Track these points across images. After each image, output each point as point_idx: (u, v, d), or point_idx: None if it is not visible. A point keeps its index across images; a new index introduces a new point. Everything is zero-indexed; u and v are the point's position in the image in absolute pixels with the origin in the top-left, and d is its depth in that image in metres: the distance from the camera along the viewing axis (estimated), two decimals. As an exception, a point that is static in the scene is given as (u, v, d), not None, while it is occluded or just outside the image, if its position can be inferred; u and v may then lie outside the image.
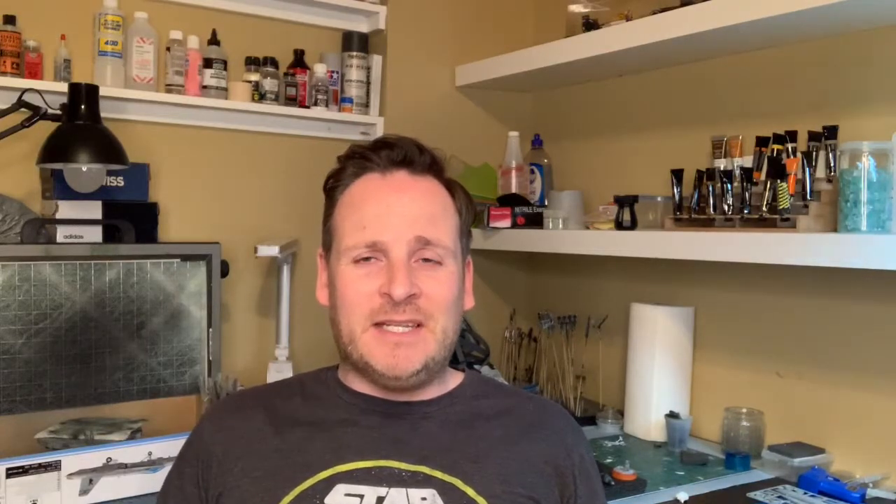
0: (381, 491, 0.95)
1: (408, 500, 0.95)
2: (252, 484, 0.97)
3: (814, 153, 1.57)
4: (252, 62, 2.13)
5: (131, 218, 1.87)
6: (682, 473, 1.68)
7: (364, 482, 0.96)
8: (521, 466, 1.01)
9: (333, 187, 1.07)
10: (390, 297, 0.97)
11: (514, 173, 2.21)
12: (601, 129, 2.31)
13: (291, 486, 0.95)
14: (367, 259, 1.00)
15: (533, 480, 1.00)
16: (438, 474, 0.97)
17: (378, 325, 0.99)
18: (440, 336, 1.00)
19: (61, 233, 1.81)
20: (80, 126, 1.71)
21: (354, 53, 2.26)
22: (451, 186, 1.08)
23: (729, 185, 1.66)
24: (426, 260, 1.00)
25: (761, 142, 1.67)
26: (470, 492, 0.96)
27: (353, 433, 1.01)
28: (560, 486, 1.03)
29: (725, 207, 1.66)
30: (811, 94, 1.75)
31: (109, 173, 1.85)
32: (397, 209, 1.00)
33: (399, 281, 0.97)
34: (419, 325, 0.99)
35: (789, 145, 1.63)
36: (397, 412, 1.03)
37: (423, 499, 0.95)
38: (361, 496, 0.95)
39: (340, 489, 0.95)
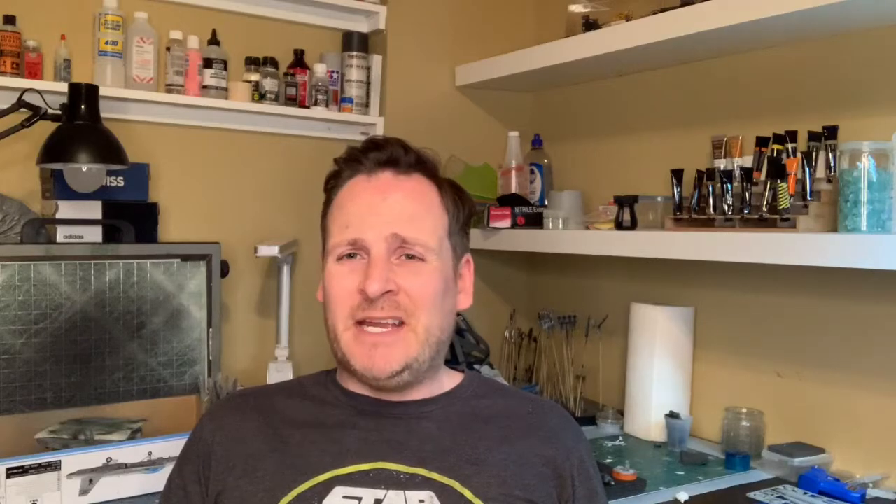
0: (379, 493, 0.95)
1: (406, 502, 0.95)
2: (251, 484, 0.98)
3: (814, 153, 1.57)
4: (252, 62, 2.13)
5: (131, 218, 1.87)
6: (682, 473, 1.68)
7: (362, 484, 0.96)
8: (519, 468, 1.01)
9: (329, 189, 1.09)
10: (366, 293, 0.98)
11: (514, 173, 2.21)
12: (601, 129, 2.31)
13: (290, 489, 0.96)
14: (350, 256, 1.02)
15: (531, 482, 1.00)
16: (436, 476, 0.97)
17: (359, 323, 1.00)
18: (423, 335, 1.01)
19: (61, 233, 1.81)
20: (80, 126, 1.71)
21: (354, 53, 2.26)
22: (440, 184, 1.08)
23: (729, 185, 1.66)
24: (410, 257, 1.01)
25: (761, 142, 1.67)
26: (468, 494, 0.96)
27: (351, 436, 1.01)
28: (558, 487, 1.03)
29: (725, 207, 1.66)
30: (811, 94, 1.75)
31: (109, 173, 1.85)
32: (378, 209, 1.02)
33: (373, 277, 0.98)
34: (401, 322, 1.00)
35: (789, 145, 1.63)
36: (394, 413, 1.04)
37: (421, 501, 0.95)
38: (359, 499, 0.95)
39: (338, 492, 0.95)
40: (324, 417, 1.04)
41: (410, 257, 1.02)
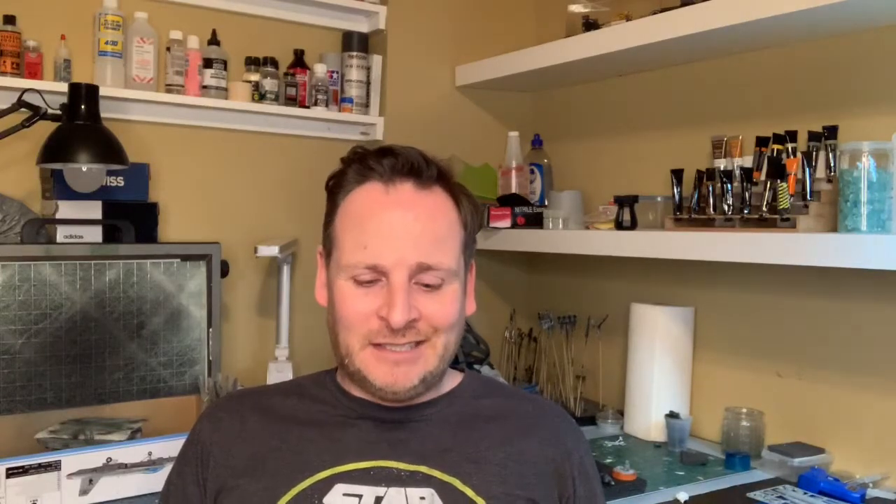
0: (380, 491, 0.95)
1: (406, 499, 0.95)
2: (250, 483, 0.97)
3: (814, 153, 1.57)
4: (252, 62, 2.13)
5: (131, 218, 1.87)
6: (682, 473, 1.68)
7: (362, 482, 0.96)
8: (520, 467, 1.01)
9: (335, 191, 1.03)
10: (388, 322, 0.95)
11: (514, 173, 2.20)
12: (601, 129, 2.31)
13: (289, 486, 0.95)
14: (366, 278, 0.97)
15: (531, 481, 1.00)
16: (437, 474, 0.97)
17: (376, 345, 0.98)
18: (441, 351, 0.99)
19: (61, 233, 1.81)
20: (80, 126, 1.71)
21: (354, 53, 2.26)
22: (458, 198, 1.04)
23: (729, 185, 1.66)
24: (427, 284, 0.98)
25: (761, 142, 1.67)
26: (469, 492, 0.96)
27: (351, 434, 1.01)
28: (559, 487, 1.03)
29: (725, 207, 1.66)
30: (811, 94, 1.75)
31: (109, 173, 1.85)
32: (400, 230, 0.97)
33: (398, 308, 0.94)
34: (419, 344, 0.98)
35: (789, 145, 1.63)
36: (396, 417, 1.03)
37: (422, 498, 0.95)
38: (360, 496, 0.95)
39: (339, 489, 0.95)
40: (323, 417, 1.04)
41: (427, 284, 0.98)
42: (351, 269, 0.98)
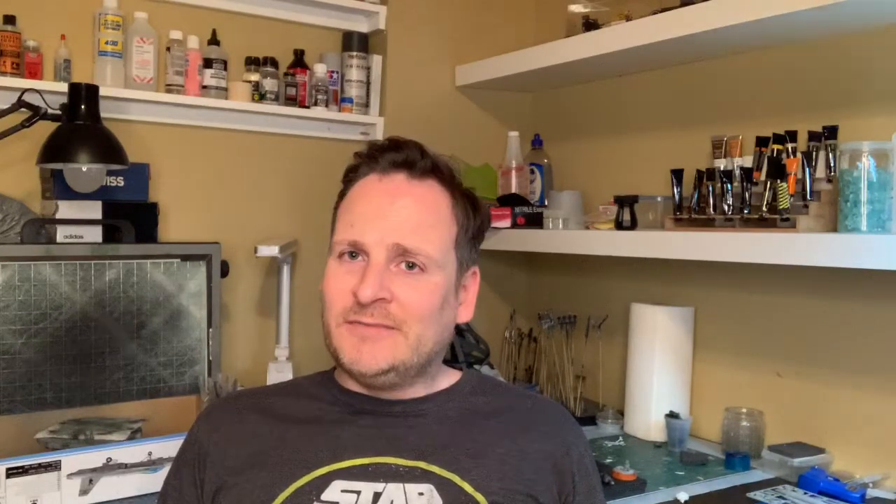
0: (378, 486, 0.95)
1: (405, 495, 0.95)
2: (248, 481, 0.98)
3: (814, 153, 1.57)
4: (252, 62, 2.13)
5: (131, 218, 1.87)
6: (682, 473, 1.68)
7: (361, 478, 0.96)
8: (519, 463, 1.01)
9: (346, 182, 1.08)
10: (357, 296, 0.97)
11: (514, 173, 2.21)
12: (601, 129, 2.31)
13: (288, 483, 0.96)
14: (353, 256, 1.01)
15: (531, 477, 1.01)
16: (436, 469, 0.97)
17: (351, 323, 0.99)
18: (413, 342, 0.99)
19: (61, 233, 1.81)
20: (80, 126, 1.71)
21: (354, 53, 2.26)
22: (454, 192, 1.06)
23: (729, 185, 1.66)
24: (410, 266, 1.00)
25: (761, 142, 1.67)
26: (468, 487, 0.96)
27: (350, 431, 1.01)
28: (558, 483, 1.03)
29: (725, 207, 1.66)
30: (811, 94, 1.75)
31: (109, 173, 1.85)
32: (385, 212, 1.00)
33: (367, 283, 0.96)
34: (391, 328, 0.99)
35: (789, 145, 1.63)
36: (393, 411, 1.04)
37: (420, 494, 0.95)
38: (358, 492, 0.95)
39: (337, 485, 0.96)
40: (321, 414, 1.04)
41: (411, 266, 1.00)
42: (337, 246, 1.02)
